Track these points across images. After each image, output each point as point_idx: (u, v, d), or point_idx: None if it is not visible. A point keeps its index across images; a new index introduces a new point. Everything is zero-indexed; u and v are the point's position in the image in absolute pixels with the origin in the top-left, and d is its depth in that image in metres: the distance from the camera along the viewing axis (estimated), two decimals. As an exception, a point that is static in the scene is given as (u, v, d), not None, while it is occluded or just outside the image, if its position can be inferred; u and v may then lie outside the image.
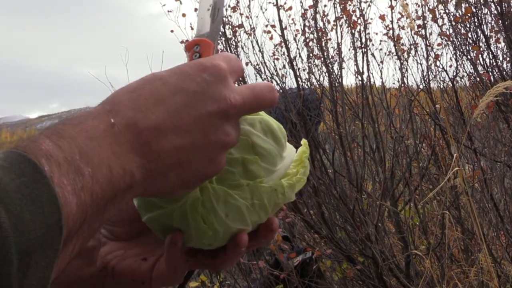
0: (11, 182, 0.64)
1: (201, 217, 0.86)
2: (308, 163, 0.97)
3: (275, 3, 5.06)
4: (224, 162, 0.85)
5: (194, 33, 1.10)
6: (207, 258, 0.92)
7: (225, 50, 5.49)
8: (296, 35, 5.44)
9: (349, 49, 5.25)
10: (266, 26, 5.63)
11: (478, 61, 5.06)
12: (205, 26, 0.97)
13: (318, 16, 5.06)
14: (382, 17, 4.98)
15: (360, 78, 4.99)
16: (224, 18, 5.57)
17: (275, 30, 5.39)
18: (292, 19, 5.51)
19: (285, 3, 5.32)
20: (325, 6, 5.24)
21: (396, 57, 5.05)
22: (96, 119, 0.74)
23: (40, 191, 0.65)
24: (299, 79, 5.30)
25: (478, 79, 5.11)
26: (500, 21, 5.00)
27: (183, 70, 0.82)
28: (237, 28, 5.64)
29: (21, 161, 0.65)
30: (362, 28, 4.98)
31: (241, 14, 5.60)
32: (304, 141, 1.00)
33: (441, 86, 5.38)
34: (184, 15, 5.78)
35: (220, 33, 5.72)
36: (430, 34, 5.18)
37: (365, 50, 4.97)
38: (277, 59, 5.89)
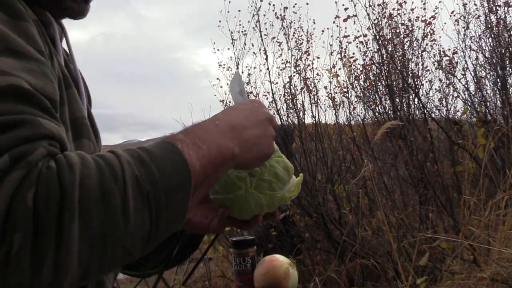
0: (159, 152, 0.64)
1: (241, 204, 0.87)
2: (300, 186, 0.95)
3: (269, 81, 5.26)
4: (273, 148, 0.86)
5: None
6: (239, 224, 0.91)
7: None
8: (280, 97, 5.49)
9: (308, 104, 5.26)
10: (264, 92, 5.72)
11: (376, 110, 5.27)
12: (239, 101, 0.95)
13: (291, 87, 5.27)
14: (325, 87, 5.22)
15: (314, 119, 5.16)
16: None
17: (269, 94, 5.49)
18: (278, 89, 5.57)
19: (274, 80, 5.47)
20: (295, 81, 5.35)
21: (332, 108, 5.21)
22: (208, 122, 0.76)
23: (176, 157, 0.65)
24: (281, 120, 5.37)
25: (376, 119, 5.31)
26: (387, 89, 5.24)
27: (251, 103, 0.87)
28: (249, 94, 5.54)
29: (164, 143, 0.67)
30: (315, 93, 5.19)
31: (251, 86, 5.74)
32: (300, 175, 0.97)
33: (357, 123, 5.43)
34: (221, 86, 6.10)
35: None
36: (351, 96, 5.30)
37: (317, 104, 5.17)
38: (270, 109, 5.60)
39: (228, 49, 5.72)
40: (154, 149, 0.65)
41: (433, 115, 5.20)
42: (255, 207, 0.88)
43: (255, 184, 0.88)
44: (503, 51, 5.32)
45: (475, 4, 5.49)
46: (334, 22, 5.18)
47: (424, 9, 5.47)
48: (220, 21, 5.63)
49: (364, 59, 5.59)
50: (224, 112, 0.81)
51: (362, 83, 5.51)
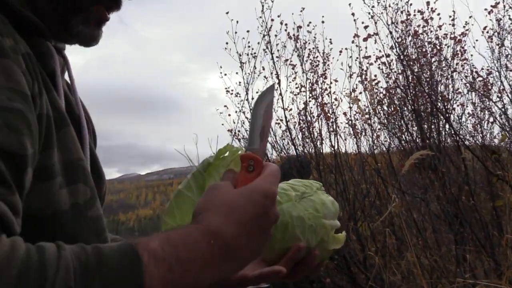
0: (113, 261, 0.61)
1: (280, 219, 0.85)
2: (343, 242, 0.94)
3: (282, 107, 5.26)
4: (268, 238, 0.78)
5: (246, 143, 0.87)
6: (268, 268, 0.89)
7: None
8: (294, 125, 5.54)
9: (326, 132, 5.27)
10: (277, 120, 5.77)
11: (402, 138, 5.29)
12: (255, 142, 0.87)
13: (307, 114, 5.30)
14: (344, 114, 5.21)
15: (332, 149, 5.12)
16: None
17: (282, 122, 5.52)
18: (292, 116, 5.64)
19: (288, 106, 5.55)
20: (311, 107, 5.40)
21: (353, 136, 5.20)
22: (200, 235, 0.70)
23: (131, 274, 0.61)
24: (297, 150, 5.37)
25: (402, 148, 5.32)
26: (414, 114, 5.25)
27: (253, 198, 0.76)
28: None
29: (129, 250, 0.63)
30: (333, 120, 5.17)
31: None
32: (344, 233, 0.97)
33: (381, 152, 5.45)
34: (229, 115, 6.19)
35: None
36: (373, 122, 5.32)
37: (335, 133, 5.14)
38: (284, 139, 5.93)
39: (237, 73, 5.76)
40: (110, 255, 0.62)
41: (466, 142, 5.18)
42: (296, 222, 0.88)
43: (300, 200, 0.89)
44: (543, 70, 5.30)
45: (510, 19, 5.52)
46: (353, 41, 5.21)
47: (453, 25, 5.51)
48: (227, 43, 5.70)
49: (387, 82, 5.63)
50: (225, 221, 0.73)
51: (385, 108, 5.54)
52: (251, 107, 5.75)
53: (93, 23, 0.92)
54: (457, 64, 5.51)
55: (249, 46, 5.73)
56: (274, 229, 0.83)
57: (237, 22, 5.62)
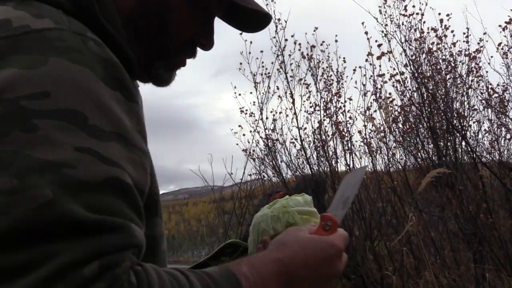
0: (224, 285, 0.70)
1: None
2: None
3: (297, 126, 5.36)
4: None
5: (329, 206, 0.94)
6: None
7: (269, 154, 5.85)
8: (309, 144, 5.55)
9: (341, 151, 5.30)
10: (292, 139, 5.82)
11: (418, 156, 5.31)
12: (338, 208, 0.95)
13: (321, 132, 5.35)
14: (359, 132, 5.27)
15: (348, 167, 5.17)
16: (265, 135, 5.85)
17: (297, 141, 5.58)
18: (307, 135, 5.66)
19: (302, 125, 5.57)
20: (325, 126, 5.45)
21: (369, 155, 5.26)
22: (273, 263, 0.79)
23: None
24: (312, 169, 5.42)
25: (418, 166, 5.33)
26: (429, 132, 5.27)
27: (324, 245, 0.85)
28: (275, 141, 5.87)
29: (229, 274, 0.72)
30: (348, 139, 5.23)
31: (277, 133, 5.85)
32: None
33: (397, 171, 5.42)
34: (244, 134, 6.17)
35: (264, 145, 6.23)
36: (389, 140, 5.37)
37: (350, 151, 5.21)
38: (299, 158, 5.91)
39: (251, 93, 5.86)
40: (220, 280, 0.71)
41: (483, 159, 5.16)
42: (261, 219, 1.00)
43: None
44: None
45: (525, 35, 5.53)
46: (366, 60, 5.30)
47: (467, 42, 5.56)
48: (241, 63, 5.80)
49: (402, 99, 5.67)
50: (294, 255, 0.83)
51: (401, 126, 5.55)
52: (265, 127, 5.83)
53: (173, 68, 0.98)
54: (472, 80, 5.57)
55: (263, 66, 5.81)
56: (250, 235, 1.00)
57: (251, 42, 5.73)
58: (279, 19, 5.67)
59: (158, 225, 0.88)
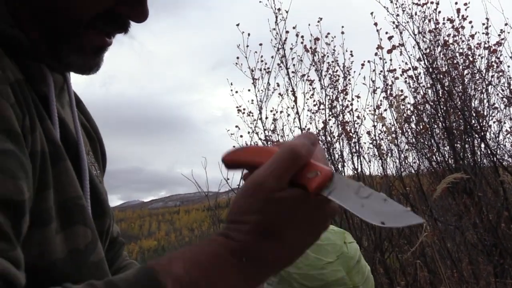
0: None
1: None
2: None
3: (299, 127, 5.29)
4: None
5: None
6: None
7: None
8: (313, 146, 5.73)
9: (348, 154, 5.29)
10: (294, 141, 6.02)
11: (432, 159, 5.27)
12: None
13: (327, 133, 5.29)
14: (368, 133, 5.25)
15: (356, 172, 5.17)
16: (265, 136, 5.77)
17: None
18: (310, 136, 5.91)
19: (306, 126, 5.50)
20: (331, 127, 5.41)
21: (378, 158, 5.22)
22: (229, 254, 0.68)
23: None
24: None
25: (433, 170, 5.30)
26: (445, 132, 5.25)
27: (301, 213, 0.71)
28: (275, 143, 5.99)
29: (149, 278, 0.63)
30: (355, 140, 5.21)
31: (277, 134, 5.79)
32: None
33: (410, 175, 5.40)
34: (241, 136, 6.12)
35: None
36: (401, 142, 5.31)
37: (358, 154, 5.18)
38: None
39: (249, 90, 5.81)
40: (127, 286, 0.62)
41: (505, 163, 5.15)
42: None
43: None
44: None
45: (551, 25, 5.46)
46: (376, 53, 5.27)
47: (487, 34, 5.51)
48: (238, 58, 5.76)
49: (415, 97, 5.63)
50: (263, 232, 0.70)
51: (414, 126, 5.52)
52: (265, 127, 5.77)
53: (90, 51, 0.88)
54: (492, 76, 5.52)
55: (262, 61, 5.78)
56: None
57: (249, 34, 5.68)
58: (279, 9, 5.62)
59: (81, 235, 0.81)
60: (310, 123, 5.65)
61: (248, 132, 5.94)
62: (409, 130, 5.46)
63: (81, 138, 0.95)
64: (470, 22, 5.59)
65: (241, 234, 0.70)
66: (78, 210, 0.82)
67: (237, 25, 5.72)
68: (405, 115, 5.44)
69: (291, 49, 5.70)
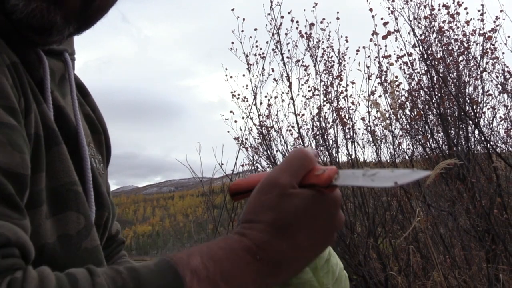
0: (153, 282, 0.61)
1: None
2: None
3: (294, 112, 5.25)
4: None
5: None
6: None
7: (263, 143, 5.74)
8: (307, 132, 5.54)
9: (342, 140, 5.27)
10: (288, 127, 5.78)
11: (426, 146, 5.25)
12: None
13: (321, 119, 5.29)
14: (363, 119, 5.25)
15: (349, 158, 5.16)
16: (259, 122, 5.77)
17: (294, 129, 5.53)
18: (305, 122, 5.65)
19: (300, 112, 5.57)
20: (325, 112, 5.39)
21: (372, 144, 5.21)
22: (244, 251, 0.68)
23: None
24: None
25: (426, 156, 5.29)
26: (439, 119, 5.22)
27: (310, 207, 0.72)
28: (269, 129, 5.81)
29: (168, 269, 0.63)
30: (350, 126, 5.19)
31: (272, 120, 5.78)
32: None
33: (403, 161, 5.42)
34: (236, 121, 6.13)
35: (258, 133, 6.18)
36: (395, 128, 5.32)
37: (352, 140, 5.16)
38: (296, 147, 5.65)
39: (243, 75, 5.80)
40: (149, 277, 0.62)
41: (498, 150, 5.16)
42: None
43: None
44: None
45: (545, 13, 5.52)
46: (371, 39, 5.26)
47: (482, 20, 5.49)
48: (233, 43, 5.74)
49: (409, 83, 5.63)
50: (277, 230, 0.71)
51: (408, 112, 5.51)
52: (259, 113, 5.76)
53: None
54: (487, 63, 5.51)
55: (256, 46, 5.77)
56: None
57: (244, 19, 5.66)
58: (274, -6, 5.59)
59: (73, 221, 0.81)
60: (305, 109, 5.70)
61: (243, 118, 5.95)
62: (403, 116, 5.46)
63: (81, 127, 0.94)
64: (466, 8, 5.59)
65: (256, 232, 0.70)
66: (71, 196, 0.82)
67: (232, 9, 5.71)
68: (399, 101, 5.45)
69: (286, 34, 5.69)
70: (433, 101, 5.25)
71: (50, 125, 0.82)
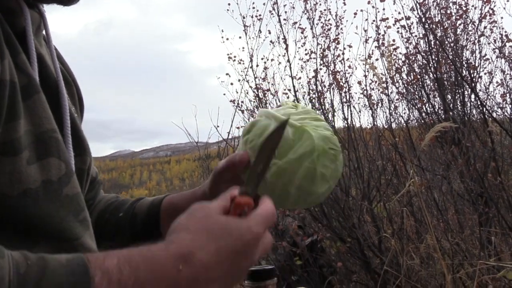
0: (58, 276, 0.59)
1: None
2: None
3: (290, 75, 5.26)
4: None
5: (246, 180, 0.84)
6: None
7: (259, 106, 5.71)
8: (303, 95, 5.48)
9: (338, 104, 5.24)
10: (285, 90, 5.71)
11: (422, 110, 5.26)
12: (252, 185, 0.83)
13: (318, 83, 5.25)
14: (359, 83, 5.18)
15: (346, 122, 5.12)
16: (256, 84, 5.72)
17: (290, 92, 5.48)
18: (301, 85, 5.58)
19: (296, 75, 5.46)
20: (322, 76, 5.35)
21: (369, 108, 5.19)
22: (167, 259, 0.66)
23: None
24: None
25: (422, 121, 5.30)
26: (436, 83, 5.21)
27: (242, 232, 0.72)
28: (266, 91, 5.77)
29: (79, 266, 0.61)
30: (346, 90, 5.13)
31: (268, 83, 5.73)
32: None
33: (399, 126, 5.46)
34: (232, 83, 5.99)
35: (254, 95, 6.19)
36: (391, 93, 5.23)
37: (349, 104, 5.12)
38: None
39: (240, 37, 5.75)
40: (56, 270, 0.60)
41: (494, 114, 5.16)
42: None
43: None
44: None
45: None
46: (369, 2, 5.19)
47: (481, -18, 5.41)
48: (229, 4, 5.68)
49: (407, 47, 5.58)
50: (200, 247, 0.68)
51: (405, 76, 5.48)
52: (255, 76, 5.72)
53: None
54: (485, 27, 5.47)
55: (253, 8, 5.70)
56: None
57: (240, -20, 5.57)
58: (272, -47, 5.51)
59: (55, 167, 0.82)
60: (301, 72, 5.64)
61: (239, 80, 5.91)
62: (400, 80, 5.43)
63: (60, 75, 0.95)
64: (465, -30, 5.52)
65: (183, 240, 0.69)
66: (52, 142, 0.83)
67: (229, -29, 5.63)
68: (396, 65, 5.43)
69: (283, -5, 5.63)
70: (430, 65, 5.24)
71: (30, 74, 0.82)
